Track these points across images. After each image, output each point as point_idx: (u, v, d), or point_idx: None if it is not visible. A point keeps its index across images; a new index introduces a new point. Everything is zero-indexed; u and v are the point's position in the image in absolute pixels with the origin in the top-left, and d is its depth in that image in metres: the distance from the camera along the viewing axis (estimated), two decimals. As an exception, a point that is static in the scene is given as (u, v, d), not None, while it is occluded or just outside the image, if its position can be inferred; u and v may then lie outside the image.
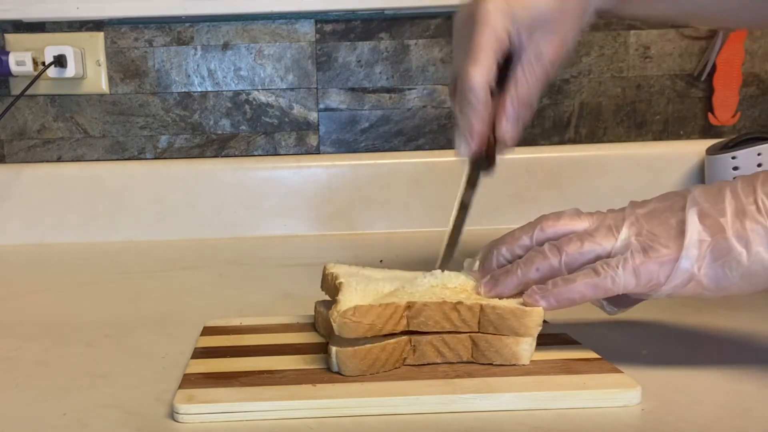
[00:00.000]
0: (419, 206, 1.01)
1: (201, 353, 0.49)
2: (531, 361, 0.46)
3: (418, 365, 0.46)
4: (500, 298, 0.47)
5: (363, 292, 0.47)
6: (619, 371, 0.44)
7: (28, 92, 0.97)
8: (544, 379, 0.43)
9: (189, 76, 1.02)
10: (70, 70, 0.97)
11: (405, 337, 0.45)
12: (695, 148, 0.99)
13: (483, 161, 0.54)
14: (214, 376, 0.45)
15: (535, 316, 0.44)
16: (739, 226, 0.41)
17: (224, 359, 0.48)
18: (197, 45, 1.01)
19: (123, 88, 1.02)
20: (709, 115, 1.04)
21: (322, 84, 1.03)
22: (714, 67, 1.01)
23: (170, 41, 1.01)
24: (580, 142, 1.04)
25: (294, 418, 0.41)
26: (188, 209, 1.00)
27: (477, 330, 0.45)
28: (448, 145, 1.04)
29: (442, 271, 0.51)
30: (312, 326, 0.54)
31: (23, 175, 0.99)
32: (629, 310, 0.48)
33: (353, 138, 1.04)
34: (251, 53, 1.02)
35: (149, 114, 1.03)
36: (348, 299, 0.45)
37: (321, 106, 1.03)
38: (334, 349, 0.44)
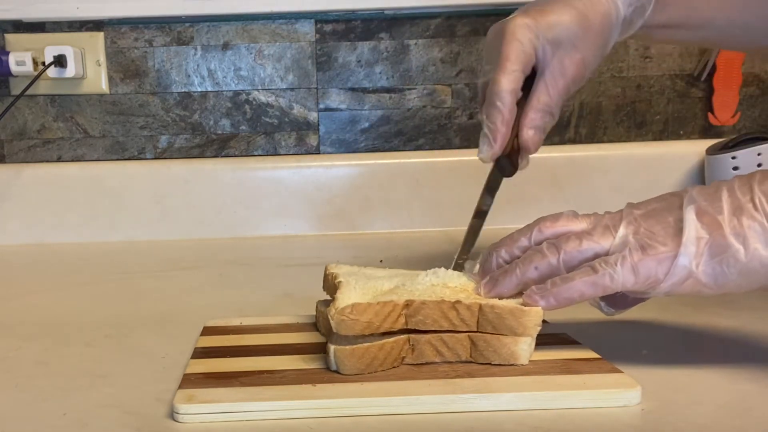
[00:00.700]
0: (419, 206, 1.01)
1: (201, 353, 0.49)
2: (531, 361, 0.46)
3: (418, 365, 0.46)
4: (500, 298, 0.47)
5: (362, 290, 0.47)
6: (619, 371, 0.44)
7: (28, 92, 0.97)
8: (544, 379, 0.43)
9: (189, 76, 1.02)
10: (70, 70, 0.97)
11: (403, 336, 0.45)
12: (695, 148, 0.99)
13: (506, 166, 0.57)
14: (214, 376, 0.45)
15: (534, 315, 0.44)
16: (737, 224, 0.41)
17: (224, 359, 0.48)
18: (197, 45, 1.01)
19: (123, 88, 1.02)
20: (709, 115, 1.04)
21: (322, 84, 1.03)
22: (714, 67, 1.01)
23: (170, 41, 1.01)
24: (580, 142, 1.04)
25: (294, 418, 0.41)
26: (188, 209, 1.00)
27: (476, 329, 0.45)
28: (447, 145, 1.04)
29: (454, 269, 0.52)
30: (312, 326, 0.54)
31: (23, 175, 0.99)
32: (627, 311, 0.49)
33: (353, 138, 1.04)
34: (251, 53, 1.02)
35: (149, 114, 1.03)
36: (346, 297, 0.46)
37: (321, 106, 1.03)
38: (332, 347, 0.44)
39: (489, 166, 0.58)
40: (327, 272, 0.53)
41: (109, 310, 0.66)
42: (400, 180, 1.01)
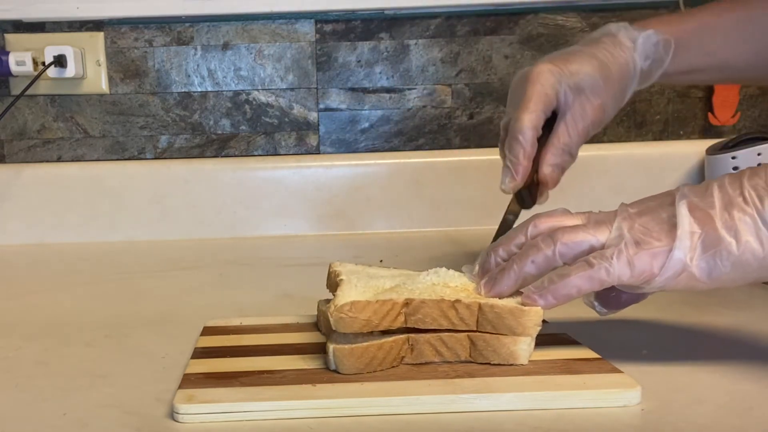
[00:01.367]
0: (419, 206, 1.01)
1: (201, 353, 0.49)
2: (531, 361, 0.46)
3: (418, 365, 0.46)
4: (500, 297, 0.47)
5: (363, 288, 0.47)
6: (619, 371, 0.44)
7: (28, 92, 0.97)
8: (544, 379, 0.43)
9: (189, 76, 1.02)
10: (70, 70, 0.97)
11: (403, 336, 0.45)
12: (695, 148, 0.99)
13: (526, 198, 0.62)
14: (214, 376, 0.45)
15: (534, 315, 0.44)
16: (728, 217, 0.42)
17: (224, 359, 0.48)
18: (197, 45, 1.01)
19: (123, 88, 1.02)
20: (709, 115, 1.04)
21: (322, 84, 1.03)
22: (714, 67, 1.01)
23: (170, 41, 1.01)
24: (580, 142, 1.04)
25: (294, 418, 0.41)
26: (188, 209, 1.00)
27: (475, 329, 0.45)
28: (447, 145, 1.04)
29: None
30: (312, 326, 0.54)
31: (23, 175, 0.99)
32: (622, 311, 0.49)
33: (353, 138, 1.04)
34: (251, 53, 1.02)
35: (149, 114, 1.03)
36: (346, 294, 0.46)
37: (321, 106, 1.03)
38: (331, 346, 0.44)
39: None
40: (330, 269, 0.53)
41: (109, 310, 0.66)
42: (400, 180, 1.01)
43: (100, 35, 1.00)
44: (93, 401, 0.44)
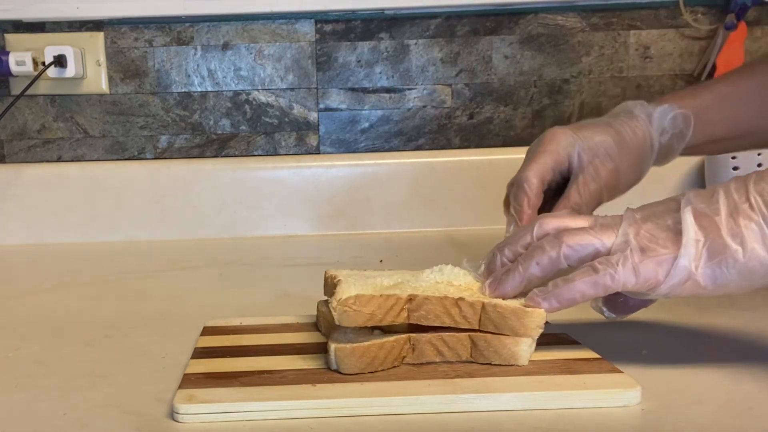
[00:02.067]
0: (419, 206, 1.01)
1: (201, 353, 0.49)
2: (531, 361, 0.46)
3: (418, 365, 0.46)
4: (504, 298, 0.47)
5: (362, 286, 0.47)
6: (619, 371, 0.44)
7: (28, 92, 0.97)
8: (544, 379, 0.43)
9: (189, 76, 1.02)
10: (70, 70, 0.97)
11: (404, 336, 0.45)
12: (695, 148, 0.99)
13: None
14: (214, 376, 0.45)
15: (536, 317, 0.44)
16: (734, 224, 0.41)
17: (224, 359, 0.48)
18: (197, 45, 1.01)
19: (123, 88, 1.02)
20: (709, 115, 1.04)
21: (322, 84, 1.03)
22: (714, 67, 1.01)
23: (170, 41, 1.01)
24: (580, 142, 1.04)
25: (294, 418, 0.41)
26: (188, 209, 1.00)
27: (477, 327, 0.45)
28: (447, 145, 1.04)
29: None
30: (312, 326, 0.54)
31: (23, 175, 0.99)
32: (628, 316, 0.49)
33: (353, 138, 1.04)
34: (251, 53, 1.02)
35: (149, 114, 1.03)
36: (346, 291, 0.45)
37: (321, 106, 1.03)
38: (332, 346, 0.44)
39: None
40: (326, 276, 0.53)
41: (109, 310, 0.66)
42: (400, 180, 1.01)
43: (100, 35, 1.00)
44: (93, 401, 0.44)
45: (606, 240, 0.44)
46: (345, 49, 1.02)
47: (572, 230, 0.46)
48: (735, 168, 0.90)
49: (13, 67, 0.96)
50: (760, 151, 0.88)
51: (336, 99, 1.03)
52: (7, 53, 0.96)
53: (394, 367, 0.45)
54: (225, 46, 1.02)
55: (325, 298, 0.53)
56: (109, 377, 0.48)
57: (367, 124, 1.04)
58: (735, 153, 0.89)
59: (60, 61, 0.97)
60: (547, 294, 0.45)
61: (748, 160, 0.89)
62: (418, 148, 1.05)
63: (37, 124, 1.02)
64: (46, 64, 0.96)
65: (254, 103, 1.03)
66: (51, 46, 0.97)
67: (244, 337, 0.52)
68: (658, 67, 1.03)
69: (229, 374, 0.45)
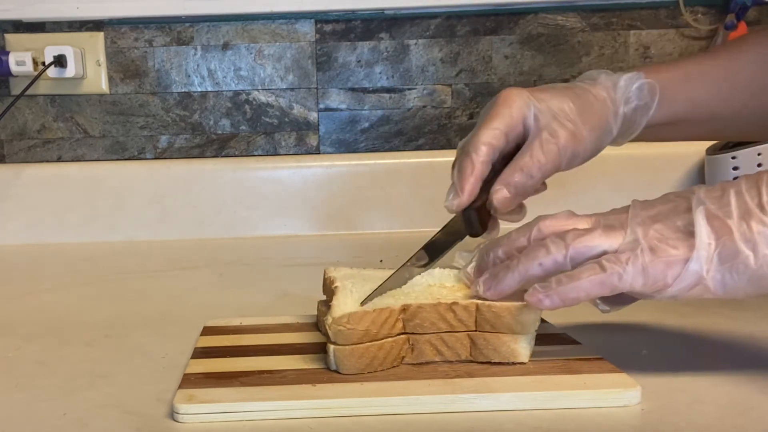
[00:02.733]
0: (419, 206, 1.00)
1: (201, 353, 0.49)
2: (531, 360, 0.45)
3: (418, 365, 0.46)
4: (499, 297, 0.45)
5: (359, 293, 0.47)
6: (619, 371, 0.44)
7: (28, 92, 0.97)
8: (544, 379, 0.43)
9: (189, 76, 1.02)
10: (70, 70, 0.97)
11: (403, 336, 0.45)
12: (695, 148, 0.99)
13: (473, 221, 0.53)
14: (214, 376, 0.45)
15: (531, 312, 0.44)
16: (746, 228, 0.40)
17: (224, 359, 0.48)
18: (197, 45, 1.01)
19: (123, 88, 1.02)
20: (709, 115, 1.04)
21: (322, 84, 1.03)
22: (714, 67, 1.01)
23: (170, 41, 1.01)
24: (580, 142, 1.04)
25: (294, 418, 0.41)
26: (188, 209, 1.00)
27: (474, 329, 0.45)
28: (447, 145, 1.04)
29: (361, 305, 0.47)
30: (312, 326, 0.54)
31: (23, 175, 0.99)
32: (623, 309, 0.47)
33: (353, 138, 1.04)
34: (251, 53, 1.02)
35: (149, 114, 1.03)
36: (342, 303, 0.45)
37: (321, 106, 1.03)
38: (332, 347, 0.44)
39: None
40: (325, 276, 0.53)
41: (109, 310, 0.66)
42: (400, 180, 1.01)
43: (100, 35, 1.00)
44: (93, 401, 0.44)
45: (614, 242, 0.43)
46: (345, 49, 1.02)
47: (578, 231, 0.44)
48: (735, 168, 0.90)
49: (13, 67, 0.96)
50: (760, 150, 0.88)
51: (336, 99, 1.03)
52: (7, 53, 0.96)
53: (394, 367, 0.45)
54: (225, 46, 1.02)
55: (325, 297, 0.53)
56: (109, 377, 0.48)
57: (367, 124, 1.04)
58: (735, 153, 0.89)
59: (60, 61, 0.97)
60: (550, 291, 0.42)
61: (748, 160, 0.89)
62: (418, 148, 1.05)
63: (37, 124, 1.02)
64: (46, 64, 0.96)
65: (254, 103, 1.03)
66: (51, 46, 0.97)
67: (244, 337, 0.52)
68: (658, 67, 1.03)
69: (229, 374, 0.45)
